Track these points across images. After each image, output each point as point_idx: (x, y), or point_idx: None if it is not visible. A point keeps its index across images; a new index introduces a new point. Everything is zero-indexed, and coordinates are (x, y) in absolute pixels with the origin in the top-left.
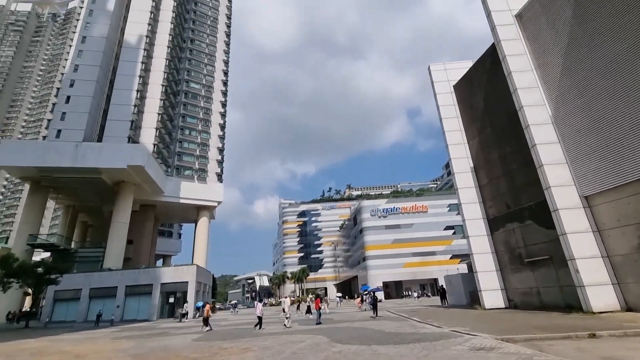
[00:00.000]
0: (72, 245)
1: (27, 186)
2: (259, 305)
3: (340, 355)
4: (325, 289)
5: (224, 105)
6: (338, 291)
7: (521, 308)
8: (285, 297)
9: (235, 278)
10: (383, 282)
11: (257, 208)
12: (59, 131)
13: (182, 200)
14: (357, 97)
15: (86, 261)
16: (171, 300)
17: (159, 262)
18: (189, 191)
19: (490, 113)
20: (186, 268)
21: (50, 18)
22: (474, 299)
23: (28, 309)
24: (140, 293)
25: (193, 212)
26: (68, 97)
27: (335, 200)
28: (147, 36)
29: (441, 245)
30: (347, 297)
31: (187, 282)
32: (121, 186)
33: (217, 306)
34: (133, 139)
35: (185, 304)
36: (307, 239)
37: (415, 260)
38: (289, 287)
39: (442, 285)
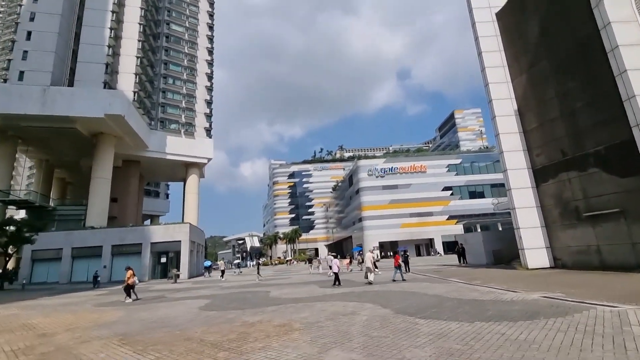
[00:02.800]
0: (51, 203)
1: None
2: (335, 261)
3: (449, 341)
4: (317, 249)
5: (210, 52)
6: (330, 252)
7: (572, 268)
8: (371, 251)
9: (225, 239)
10: (379, 242)
11: (244, 170)
12: (22, 73)
13: (168, 157)
14: (348, 56)
15: (66, 219)
16: (163, 260)
17: (147, 222)
18: (176, 146)
19: (547, 41)
20: (178, 226)
21: None
22: (498, 258)
23: (1, 270)
24: (128, 253)
25: (181, 170)
26: (29, 33)
27: (327, 162)
28: None
29: (439, 205)
30: (338, 257)
31: (179, 242)
32: (100, 138)
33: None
34: (110, 85)
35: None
36: (298, 200)
37: (412, 220)
38: (281, 247)
39: (461, 244)
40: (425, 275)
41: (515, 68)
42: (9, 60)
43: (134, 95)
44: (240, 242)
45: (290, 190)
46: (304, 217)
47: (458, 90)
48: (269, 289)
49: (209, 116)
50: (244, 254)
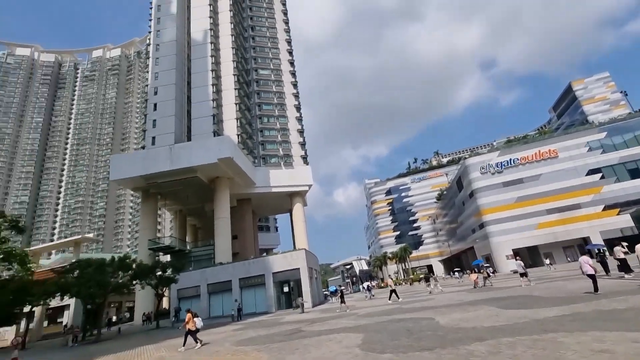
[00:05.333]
0: (187, 247)
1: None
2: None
3: None
4: (430, 266)
5: (295, 85)
6: (447, 267)
7: None
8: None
9: (332, 266)
10: (512, 250)
11: (338, 197)
12: (153, 138)
13: (273, 189)
14: (421, 63)
15: (200, 259)
16: (285, 289)
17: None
18: (279, 179)
19: None
20: (295, 254)
21: (136, 56)
22: None
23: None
24: (253, 285)
25: (286, 201)
26: (155, 105)
27: (424, 171)
28: (210, 29)
29: (587, 194)
30: (455, 273)
31: (298, 269)
32: (216, 182)
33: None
34: (218, 133)
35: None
36: (401, 216)
37: (552, 218)
38: (391, 267)
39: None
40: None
41: None
42: (144, 130)
43: (238, 138)
44: (348, 266)
45: (389, 208)
46: (410, 233)
47: (561, 63)
48: (424, 314)
49: (302, 144)
50: (354, 278)
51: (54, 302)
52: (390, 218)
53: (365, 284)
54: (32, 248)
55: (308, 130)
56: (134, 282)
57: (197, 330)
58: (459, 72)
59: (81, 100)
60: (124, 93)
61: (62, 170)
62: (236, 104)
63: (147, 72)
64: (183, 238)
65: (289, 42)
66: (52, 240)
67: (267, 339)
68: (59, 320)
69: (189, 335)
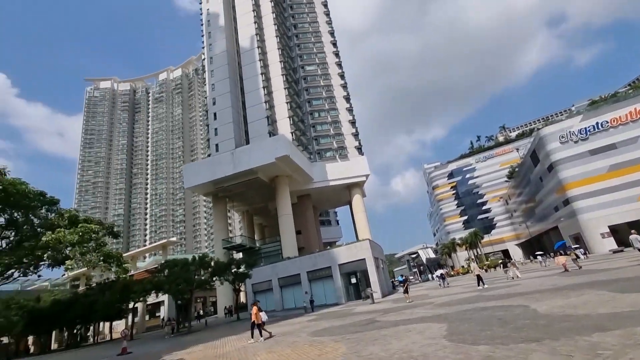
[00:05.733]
0: (257, 244)
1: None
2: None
3: None
4: (505, 251)
5: (342, 76)
6: (526, 251)
7: None
8: None
9: (396, 255)
10: (609, 227)
11: (395, 186)
12: (217, 145)
13: (331, 183)
14: (472, 35)
15: (269, 255)
16: (353, 280)
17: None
18: (335, 172)
19: None
20: (359, 244)
21: (194, 73)
22: None
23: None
24: (321, 277)
25: (345, 193)
26: (215, 114)
27: (490, 149)
28: (256, 34)
29: None
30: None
31: (364, 259)
32: (276, 181)
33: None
34: (273, 133)
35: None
36: (467, 199)
37: None
38: (461, 254)
39: None
40: None
41: None
42: (208, 139)
43: (292, 136)
44: (413, 255)
45: (454, 192)
46: (479, 217)
47: None
48: (513, 301)
49: (355, 135)
50: (421, 267)
51: (151, 299)
52: (456, 202)
53: (439, 272)
54: (128, 253)
55: (359, 121)
56: (214, 278)
57: (263, 323)
58: (520, 35)
59: (154, 120)
60: (187, 109)
61: (146, 184)
62: (287, 102)
63: (205, 85)
64: (252, 236)
65: (332, 34)
66: (144, 245)
67: (343, 330)
68: (157, 314)
69: (255, 328)
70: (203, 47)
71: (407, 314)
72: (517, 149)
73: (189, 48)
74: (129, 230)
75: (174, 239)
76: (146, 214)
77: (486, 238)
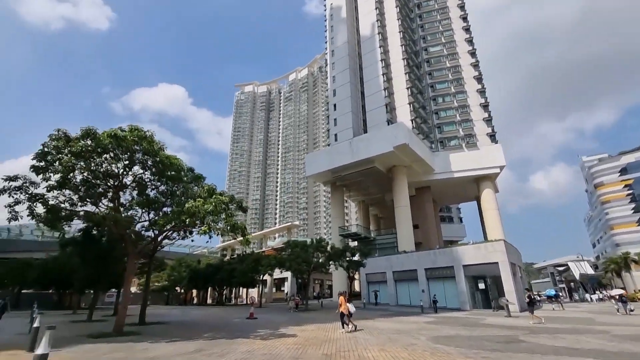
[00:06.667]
0: (372, 234)
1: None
2: None
3: None
4: None
5: (473, 54)
6: None
7: None
8: None
9: (535, 266)
10: None
11: (537, 183)
12: (336, 135)
13: (455, 175)
14: None
15: (384, 247)
16: (481, 286)
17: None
18: (461, 163)
19: None
20: (491, 245)
21: (318, 71)
22: None
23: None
24: (441, 277)
25: (472, 187)
26: (334, 105)
27: None
28: (377, 20)
29: None
30: None
31: (496, 263)
32: (394, 171)
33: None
34: (391, 121)
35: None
36: None
37: None
38: (638, 275)
39: None
40: None
41: None
42: (328, 130)
43: (412, 124)
44: (561, 268)
45: (629, 191)
46: None
47: None
48: None
49: (488, 120)
50: (571, 283)
51: (277, 275)
52: (631, 206)
53: (616, 293)
54: (261, 232)
55: (491, 109)
56: (329, 262)
57: (351, 314)
58: None
59: (284, 117)
60: (312, 105)
61: (277, 174)
62: (407, 88)
63: (327, 79)
64: (367, 227)
65: (461, 8)
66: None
67: (474, 344)
68: (282, 288)
69: (344, 318)
70: (326, 42)
71: (570, 341)
72: None
73: (315, 48)
74: (264, 214)
75: (297, 222)
76: (276, 200)
77: None
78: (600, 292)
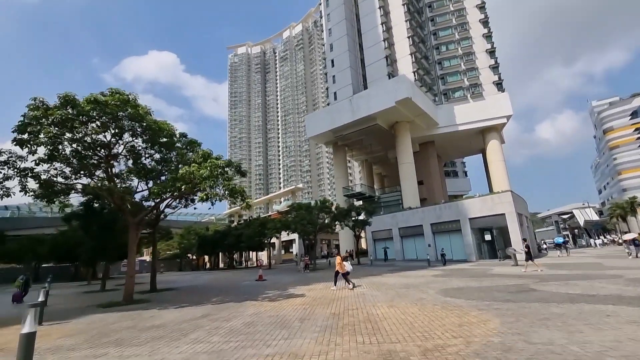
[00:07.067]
0: (376, 193)
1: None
2: None
3: None
4: None
5: None
6: None
7: None
8: None
9: (539, 215)
10: None
11: (543, 133)
12: (335, 93)
13: (460, 127)
14: None
15: (389, 205)
16: (487, 237)
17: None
18: (466, 114)
19: None
20: (497, 197)
21: (313, 25)
22: None
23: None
24: (447, 230)
25: (477, 139)
26: (332, 61)
27: None
28: None
29: None
30: None
31: (503, 214)
32: (396, 127)
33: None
34: (392, 75)
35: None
36: None
37: None
38: None
39: None
40: None
41: None
42: (327, 88)
43: (414, 76)
44: (565, 216)
45: (639, 135)
46: None
47: None
48: None
49: (495, 67)
50: (575, 230)
51: (285, 237)
52: None
53: (629, 236)
54: (266, 196)
55: (497, 55)
56: (335, 222)
57: (348, 272)
58: None
59: (281, 78)
60: (309, 64)
61: (278, 138)
62: (409, 37)
63: (323, 33)
64: (371, 185)
65: None
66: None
67: (485, 295)
68: (290, 250)
69: (339, 276)
70: None
71: (584, 287)
72: None
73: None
74: (268, 179)
75: (301, 185)
76: (279, 164)
77: None
78: (605, 237)
